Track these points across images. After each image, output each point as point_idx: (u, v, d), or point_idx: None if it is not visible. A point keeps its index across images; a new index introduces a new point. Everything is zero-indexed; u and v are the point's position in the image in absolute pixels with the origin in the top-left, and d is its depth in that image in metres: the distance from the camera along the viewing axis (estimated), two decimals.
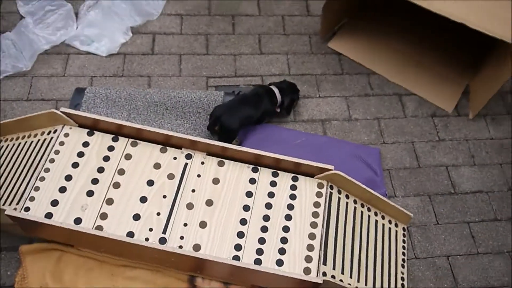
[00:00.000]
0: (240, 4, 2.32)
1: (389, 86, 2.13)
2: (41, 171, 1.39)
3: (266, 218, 1.42)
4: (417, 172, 1.90)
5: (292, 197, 1.48)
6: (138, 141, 1.49)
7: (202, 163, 1.49)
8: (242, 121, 1.77)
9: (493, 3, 1.86)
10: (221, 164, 1.50)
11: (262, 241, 1.38)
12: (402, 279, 1.57)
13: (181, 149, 1.50)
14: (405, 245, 1.64)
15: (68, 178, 1.39)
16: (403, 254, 1.63)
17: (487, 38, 1.83)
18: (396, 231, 1.66)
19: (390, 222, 1.65)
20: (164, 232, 1.35)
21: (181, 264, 1.40)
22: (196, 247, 1.34)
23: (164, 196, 1.40)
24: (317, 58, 2.18)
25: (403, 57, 2.23)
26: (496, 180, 1.93)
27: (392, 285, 1.53)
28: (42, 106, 1.86)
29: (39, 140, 1.49)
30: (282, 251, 1.38)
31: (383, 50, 2.24)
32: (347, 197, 1.55)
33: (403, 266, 1.60)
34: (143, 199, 1.39)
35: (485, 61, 2.17)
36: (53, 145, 1.44)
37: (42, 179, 1.37)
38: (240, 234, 1.38)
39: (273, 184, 1.49)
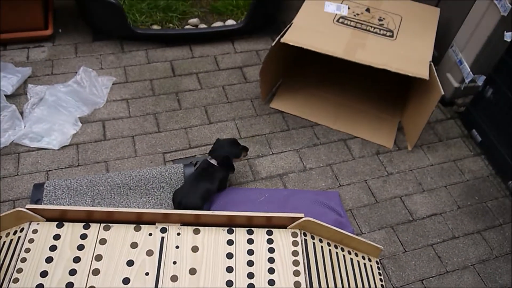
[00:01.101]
0: (181, 82, 2.45)
1: (332, 133, 2.30)
2: (13, 272, 1.33)
3: (251, 275, 1.45)
4: (376, 207, 2.03)
5: (271, 250, 1.52)
6: (110, 224, 1.49)
7: (178, 234, 1.50)
8: (203, 196, 1.81)
9: (406, 49, 2.14)
10: (196, 232, 1.52)
11: None
12: None
13: (154, 224, 1.51)
14: (382, 277, 1.72)
15: (44, 274, 1.34)
16: (382, 286, 1.70)
17: (407, 78, 2.08)
18: (371, 266, 1.74)
19: (363, 258, 1.73)
20: None
21: None
22: None
23: (147, 273, 1.39)
24: (263, 119, 2.32)
25: (339, 105, 2.44)
26: (445, 201, 2.10)
27: None
28: None
29: (4, 242, 1.44)
30: None
31: (320, 102, 2.44)
32: (320, 241, 1.62)
33: None
34: (126, 281, 1.37)
35: (409, 99, 2.43)
36: (22, 244, 1.40)
37: (16, 280, 1.32)
38: None
39: (250, 241, 1.53)
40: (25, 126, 2.07)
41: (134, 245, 1.45)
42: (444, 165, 2.24)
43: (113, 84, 2.36)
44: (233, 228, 1.55)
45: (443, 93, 1.98)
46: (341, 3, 2.34)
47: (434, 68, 2.05)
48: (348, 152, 2.23)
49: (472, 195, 2.14)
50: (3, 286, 1.30)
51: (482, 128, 2.31)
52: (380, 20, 2.28)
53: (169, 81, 2.44)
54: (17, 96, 2.22)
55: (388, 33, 2.21)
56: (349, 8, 2.32)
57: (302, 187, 2.06)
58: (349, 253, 1.69)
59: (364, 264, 1.71)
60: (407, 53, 2.12)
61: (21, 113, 2.12)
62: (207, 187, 1.84)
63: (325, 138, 2.28)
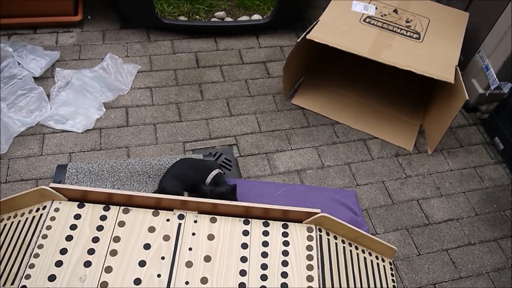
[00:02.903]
0: (204, 73, 2.47)
1: (352, 133, 2.30)
2: (34, 248, 1.37)
3: (264, 266, 1.46)
4: (392, 208, 2.02)
5: (285, 243, 1.53)
6: (129, 207, 1.52)
7: (195, 221, 1.53)
8: (169, 178, 1.84)
9: (432, 52, 2.12)
10: (213, 220, 1.54)
11: None
12: None
13: (172, 210, 1.54)
14: (394, 278, 1.72)
15: (63, 251, 1.38)
16: (394, 287, 1.69)
17: (431, 82, 2.06)
18: (384, 266, 1.73)
19: (377, 258, 1.73)
20: None
21: None
22: None
23: (163, 258, 1.42)
24: (284, 115, 2.33)
25: (360, 105, 2.43)
26: (463, 207, 2.08)
27: None
28: (22, 187, 1.85)
29: (27, 218, 1.48)
30: None
31: (341, 101, 2.44)
32: (335, 237, 1.63)
33: None
34: (142, 263, 1.40)
35: (432, 103, 2.41)
36: (44, 221, 1.44)
37: (36, 255, 1.36)
38: (242, 285, 1.40)
39: (266, 233, 1.55)
40: (51, 108, 2.12)
41: (151, 229, 1.48)
42: (464, 171, 2.22)
43: (138, 72, 2.40)
44: (249, 219, 1.57)
45: (467, 97, 1.96)
46: (369, 3, 2.33)
47: (459, 72, 2.02)
48: (367, 152, 2.23)
49: (490, 202, 2.11)
50: (24, 260, 1.34)
51: (505, 136, 2.28)
52: (407, 21, 2.26)
53: (193, 72, 2.46)
54: (45, 78, 2.28)
55: (415, 35, 2.19)
56: (376, 8, 2.31)
57: (319, 184, 2.06)
58: (363, 251, 1.69)
59: (378, 264, 1.71)
60: (433, 56, 2.10)
61: (48, 96, 2.17)
62: (177, 172, 1.85)
63: (345, 137, 2.28)
